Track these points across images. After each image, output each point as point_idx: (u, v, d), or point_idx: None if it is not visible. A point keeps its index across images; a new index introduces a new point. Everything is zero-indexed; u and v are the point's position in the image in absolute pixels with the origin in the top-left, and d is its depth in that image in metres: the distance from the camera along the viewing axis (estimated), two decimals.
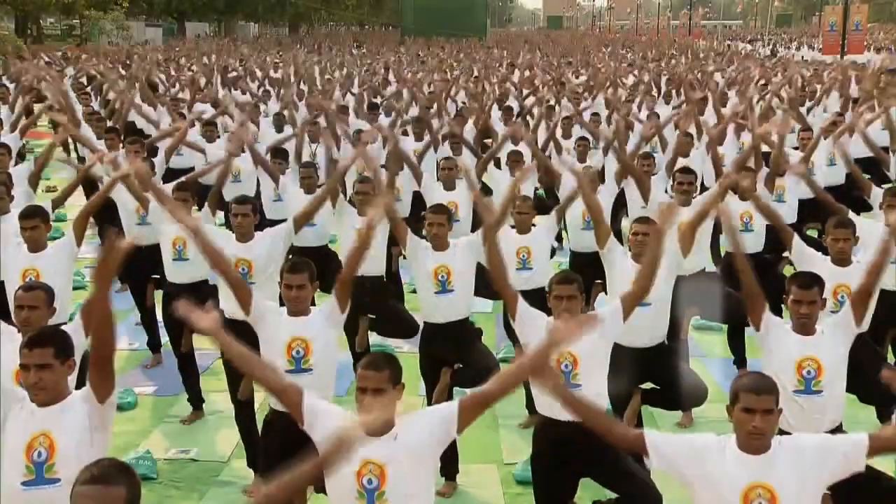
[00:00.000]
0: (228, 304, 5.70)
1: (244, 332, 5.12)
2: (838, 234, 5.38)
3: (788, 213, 7.84)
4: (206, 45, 36.79)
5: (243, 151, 9.31)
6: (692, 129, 9.73)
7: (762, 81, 15.62)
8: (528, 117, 12.13)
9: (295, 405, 3.41)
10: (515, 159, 8.43)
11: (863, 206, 7.52)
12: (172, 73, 18.42)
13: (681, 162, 8.41)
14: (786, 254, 6.37)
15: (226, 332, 3.41)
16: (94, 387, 3.37)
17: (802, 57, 28.38)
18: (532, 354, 3.25)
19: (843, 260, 5.37)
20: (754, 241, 7.14)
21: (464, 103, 13.46)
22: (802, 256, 5.59)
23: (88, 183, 10.55)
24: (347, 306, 4.58)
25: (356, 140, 8.37)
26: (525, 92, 15.45)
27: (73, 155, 13.34)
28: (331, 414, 3.38)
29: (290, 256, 5.87)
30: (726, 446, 3.23)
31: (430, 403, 5.38)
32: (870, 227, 5.88)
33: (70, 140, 12.58)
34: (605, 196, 7.40)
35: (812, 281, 4.37)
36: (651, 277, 4.49)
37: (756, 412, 3.14)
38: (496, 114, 12.48)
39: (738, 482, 3.15)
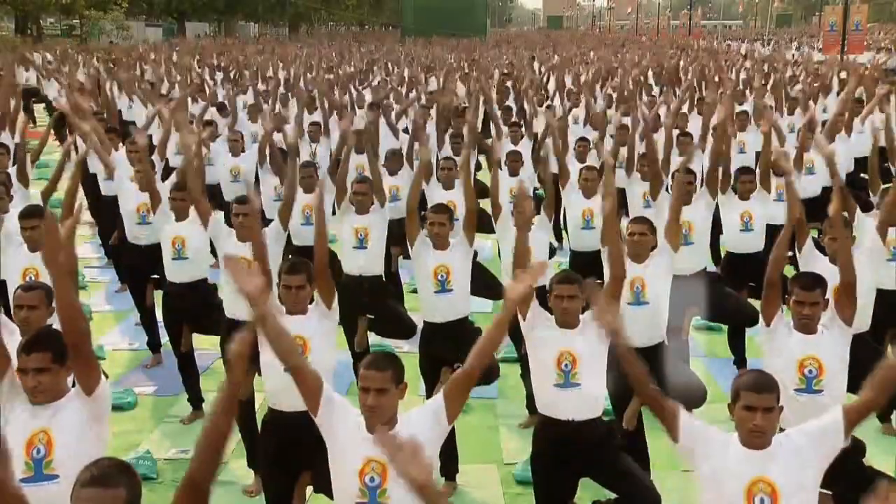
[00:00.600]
0: (229, 303, 5.73)
1: None
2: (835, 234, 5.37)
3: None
4: (208, 44, 36.72)
5: (243, 151, 9.35)
6: (691, 129, 9.72)
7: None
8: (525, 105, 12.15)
9: (313, 394, 3.39)
10: (514, 160, 8.44)
11: (864, 206, 7.50)
12: (173, 72, 18.40)
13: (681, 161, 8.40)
14: (788, 253, 6.35)
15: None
16: (78, 380, 3.38)
17: (802, 57, 28.34)
18: (497, 320, 3.40)
19: None
20: (754, 241, 7.14)
21: (463, 104, 13.45)
22: (809, 257, 5.58)
23: (84, 176, 10.57)
24: (333, 300, 4.57)
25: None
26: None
27: (74, 155, 13.33)
28: (347, 409, 3.38)
29: (290, 256, 5.87)
30: (730, 442, 3.28)
31: None
32: (869, 226, 5.89)
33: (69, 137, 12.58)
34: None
35: (815, 282, 4.37)
36: (617, 261, 4.56)
37: (757, 410, 3.17)
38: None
39: (741, 477, 3.19)
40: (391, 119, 10.83)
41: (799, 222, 5.62)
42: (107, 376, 3.66)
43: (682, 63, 21.99)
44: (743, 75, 18.05)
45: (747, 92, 13.69)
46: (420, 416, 3.38)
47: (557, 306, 4.33)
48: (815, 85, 13.80)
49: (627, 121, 9.39)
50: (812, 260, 5.53)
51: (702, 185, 7.03)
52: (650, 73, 18.66)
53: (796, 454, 3.23)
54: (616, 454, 4.44)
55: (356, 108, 12.77)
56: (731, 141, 9.36)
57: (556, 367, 4.29)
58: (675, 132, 8.92)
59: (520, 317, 4.46)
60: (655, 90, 15.14)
